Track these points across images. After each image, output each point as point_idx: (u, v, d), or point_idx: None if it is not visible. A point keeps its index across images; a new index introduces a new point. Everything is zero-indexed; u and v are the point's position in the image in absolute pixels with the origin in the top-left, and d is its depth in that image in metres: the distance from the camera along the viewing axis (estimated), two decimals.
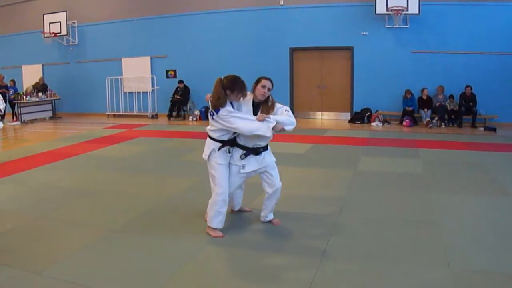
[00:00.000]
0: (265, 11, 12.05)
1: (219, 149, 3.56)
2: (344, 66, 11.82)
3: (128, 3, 13.45)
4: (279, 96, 3.67)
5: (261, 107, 3.54)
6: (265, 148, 3.65)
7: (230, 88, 3.44)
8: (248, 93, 3.61)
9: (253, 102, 3.57)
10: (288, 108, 3.58)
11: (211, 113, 3.50)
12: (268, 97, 3.57)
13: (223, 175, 3.58)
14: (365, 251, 3.34)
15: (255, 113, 3.53)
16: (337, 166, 6.31)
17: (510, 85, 10.41)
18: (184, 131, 10.32)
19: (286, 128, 3.47)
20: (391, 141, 8.49)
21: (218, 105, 3.43)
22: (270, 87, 3.53)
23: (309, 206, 4.43)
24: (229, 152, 3.61)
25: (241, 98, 3.54)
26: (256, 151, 3.59)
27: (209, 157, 3.61)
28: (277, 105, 3.59)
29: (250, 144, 3.58)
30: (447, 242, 3.47)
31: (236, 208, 4.15)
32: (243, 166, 3.61)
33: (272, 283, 2.88)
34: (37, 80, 13.69)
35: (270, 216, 3.89)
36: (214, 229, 3.63)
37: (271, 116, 3.44)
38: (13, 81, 13.21)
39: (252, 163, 3.61)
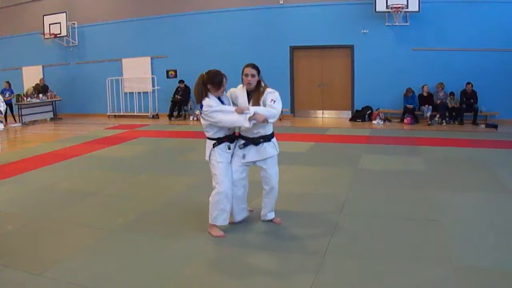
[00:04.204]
0: (265, 10, 12.04)
1: (215, 146, 3.56)
2: (344, 64, 11.79)
3: (128, 3, 13.44)
4: (279, 95, 3.64)
5: (252, 94, 3.56)
6: (266, 139, 3.61)
7: (211, 82, 3.48)
8: (241, 85, 3.66)
9: (247, 91, 3.60)
10: (275, 97, 3.51)
11: (200, 111, 3.55)
12: (260, 83, 3.57)
13: (224, 172, 3.57)
14: (367, 249, 3.33)
15: (250, 101, 3.56)
16: (338, 164, 6.29)
17: (510, 81, 10.37)
18: (185, 131, 10.32)
19: (269, 120, 3.47)
20: (392, 139, 8.48)
21: (200, 99, 3.50)
22: (254, 73, 3.52)
23: (310, 204, 4.42)
24: (229, 149, 3.60)
25: (224, 92, 3.57)
26: (255, 142, 3.58)
27: (209, 157, 3.62)
28: (268, 90, 3.56)
29: (250, 134, 3.58)
30: (449, 239, 3.46)
31: (237, 220, 3.83)
32: (244, 156, 3.62)
33: (274, 283, 2.87)
34: (38, 82, 13.70)
35: (271, 216, 3.87)
36: (215, 228, 3.63)
37: (250, 107, 3.44)
38: (8, 82, 13.13)
39: (252, 153, 3.61)
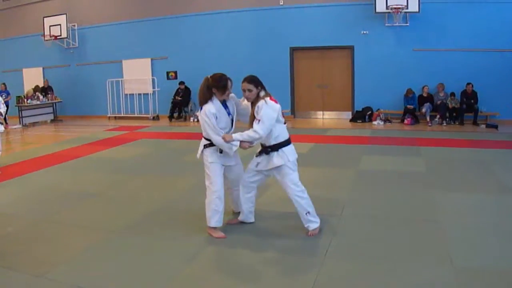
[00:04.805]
0: (265, 11, 12.05)
1: (207, 147, 3.57)
2: (344, 65, 11.80)
3: (128, 5, 13.46)
4: (280, 96, 3.63)
5: (253, 105, 3.48)
6: (273, 148, 3.49)
7: (216, 86, 3.47)
8: None
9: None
10: (261, 115, 3.33)
11: (199, 112, 3.56)
12: (258, 94, 3.44)
13: (216, 173, 3.58)
14: (368, 250, 3.33)
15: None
16: (339, 165, 6.30)
17: (511, 82, 10.37)
18: (185, 132, 10.32)
19: (254, 143, 3.50)
20: (392, 139, 8.47)
21: (202, 103, 3.50)
22: (250, 88, 3.41)
23: None
24: (221, 152, 3.57)
25: (228, 96, 3.55)
26: (265, 151, 3.54)
27: (201, 155, 3.65)
28: (259, 104, 3.37)
29: (264, 142, 3.53)
30: (449, 240, 3.46)
31: (248, 221, 3.88)
32: (257, 164, 3.61)
33: (275, 284, 2.87)
34: (37, 83, 13.67)
35: (309, 227, 3.63)
36: (215, 229, 3.63)
37: (234, 136, 3.41)
38: (4, 84, 13.11)
39: (263, 162, 3.57)
